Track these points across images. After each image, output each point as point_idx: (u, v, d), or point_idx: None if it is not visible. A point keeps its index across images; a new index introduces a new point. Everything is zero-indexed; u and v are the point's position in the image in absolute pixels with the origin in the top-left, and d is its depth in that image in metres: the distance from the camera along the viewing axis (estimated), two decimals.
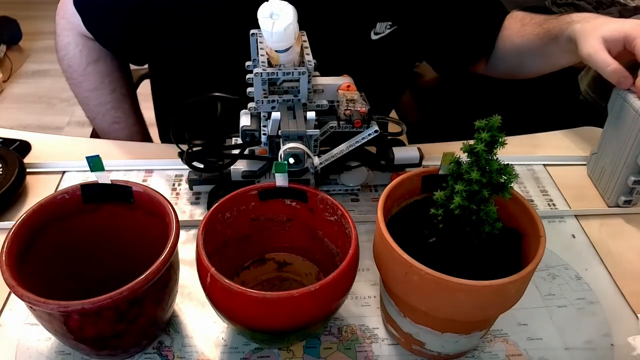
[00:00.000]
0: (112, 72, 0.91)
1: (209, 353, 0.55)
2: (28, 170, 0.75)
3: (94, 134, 0.98)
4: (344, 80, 0.64)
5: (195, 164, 0.67)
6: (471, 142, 0.46)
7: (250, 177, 0.67)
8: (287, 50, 0.57)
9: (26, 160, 0.78)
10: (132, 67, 0.99)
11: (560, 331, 0.58)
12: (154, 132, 1.03)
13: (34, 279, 0.48)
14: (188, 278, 0.58)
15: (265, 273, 0.61)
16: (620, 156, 0.70)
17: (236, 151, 0.66)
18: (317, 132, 0.60)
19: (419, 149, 0.70)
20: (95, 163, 0.52)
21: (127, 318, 0.47)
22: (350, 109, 0.60)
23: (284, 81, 0.61)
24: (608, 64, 0.67)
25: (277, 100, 0.60)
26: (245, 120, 0.65)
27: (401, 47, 0.86)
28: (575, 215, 0.72)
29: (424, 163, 0.71)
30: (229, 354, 0.55)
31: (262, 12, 0.54)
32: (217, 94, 0.66)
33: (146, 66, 0.98)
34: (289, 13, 0.54)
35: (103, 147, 0.85)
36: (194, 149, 0.66)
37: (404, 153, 0.70)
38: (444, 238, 0.50)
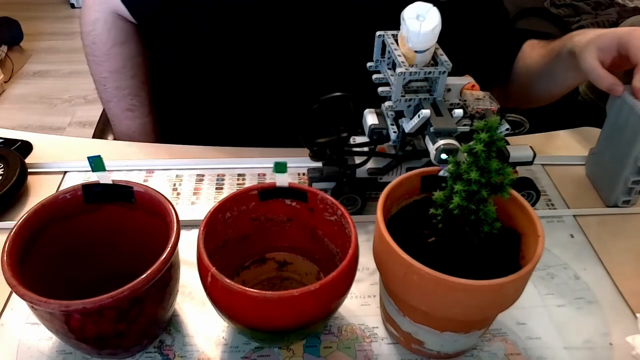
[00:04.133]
0: (135, 56, 0.89)
1: (210, 352, 0.56)
2: (29, 170, 0.75)
3: (96, 134, 0.98)
4: (467, 80, 0.65)
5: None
6: (471, 142, 0.46)
7: (376, 174, 0.69)
8: (426, 50, 0.59)
9: (27, 160, 0.78)
10: None
11: (559, 330, 0.58)
12: None
13: (35, 279, 0.48)
14: (189, 277, 0.59)
15: (265, 273, 0.62)
16: (618, 156, 0.70)
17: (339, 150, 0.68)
18: (466, 128, 0.62)
19: (531, 147, 0.69)
20: (96, 163, 0.52)
21: (128, 317, 0.47)
22: (482, 107, 0.62)
23: (411, 81, 0.62)
24: (601, 78, 0.69)
25: (414, 99, 0.61)
26: (371, 119, 0.67)
27: (371, 17, 0.82)
28: (574, 215, 0.73)
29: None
30: (229, 353, 0.56)
31: (409, 14, 0.57)
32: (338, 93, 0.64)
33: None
34: (435, 15, 0.56)
35: (104, 148, 0.86)
36: (321, 146, 0.67)
37: (518, 151, 0.69)
38: (443, 238, 0.50)
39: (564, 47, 0.77)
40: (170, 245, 0.48)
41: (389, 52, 0.63)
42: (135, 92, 0.90)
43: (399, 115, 0.64)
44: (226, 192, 0.75)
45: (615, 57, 0.69)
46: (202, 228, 0.51)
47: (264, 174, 0.79)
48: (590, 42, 0.71)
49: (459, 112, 0.60)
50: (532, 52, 0.87)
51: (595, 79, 0.70)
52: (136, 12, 0.85)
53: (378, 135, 0.66)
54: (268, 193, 0.57)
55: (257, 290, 0.46)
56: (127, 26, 0.86)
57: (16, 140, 0.82)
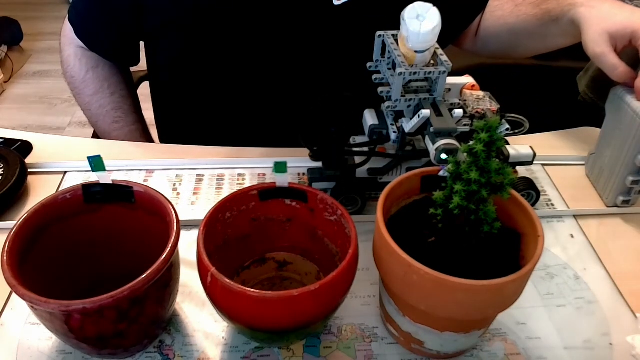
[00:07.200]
0: (110, 77, 0.93)
1: (210, 352, 0.56)
2: (29, 170, 0.75)
3: (96, 135, 0.99)
4: (467, 80, 0.66)
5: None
6: (471, 142, 0.46)
7: (376, 174, 0.69)
8: (426, 50, 0.59)
9: (27, 160, 0.78)
10: (132, 68, 1.00)
11: (559, 330, 0.58)
12: (153, 132, 1.03)
13: (36, 279, 0.48)
14: (189, 277, 0.59)
15: (265, 272, 0.62)
16: (618, 156, 0.70)
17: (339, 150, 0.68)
18: (466, 128, 0.62)
19: (531, 147, 0.69)
20: (96, 163, 0.53)
21: (128, 317, 0.47)
22: (482, 107, 0.63)
23: (411, 81, 0.62)
24: (616, 68, 0.67)
25: (414, 99, 0.61)
26: (371, 119, 0.67)
27: (367, 16, 0.81)
28: (574, 215, 0.73)
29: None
30: (229, 353, 0.56)
31: (409, 14, 0.56)
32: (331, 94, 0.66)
33: (145, 68, 0.99)
34: (435, 15, 0.56)
35: (104, 148, 0.86)
36: (321, 146, 0.67)
37: (518, 151, 0.69)
38: (443, 238, 0.50)
39: (564, 14, 0.75)
40: (170, 245, 0.48)
41: (389, 52, 0.63)
42: (117, 106, 0.94)
43: (399, 115, 0.64)
44: (226, 192, 0.75)
45: (626, 45, 0.68)
46: (202, 228, 0.51)
47: (264, 174, 0.79)
48: (600, 20, 0.69)
49: (459, 112, 0.60)
50: (518, 9, 0.84)
51: (609, 69, 0.68)
52: (96, 51, 0.91)
53: (378, 135, 0.66)
54: (268, 193, 0.57)
55: (257, 290, 0.46)
56: (95, 54, 0.92)
57: (16, 140, 0.82)
